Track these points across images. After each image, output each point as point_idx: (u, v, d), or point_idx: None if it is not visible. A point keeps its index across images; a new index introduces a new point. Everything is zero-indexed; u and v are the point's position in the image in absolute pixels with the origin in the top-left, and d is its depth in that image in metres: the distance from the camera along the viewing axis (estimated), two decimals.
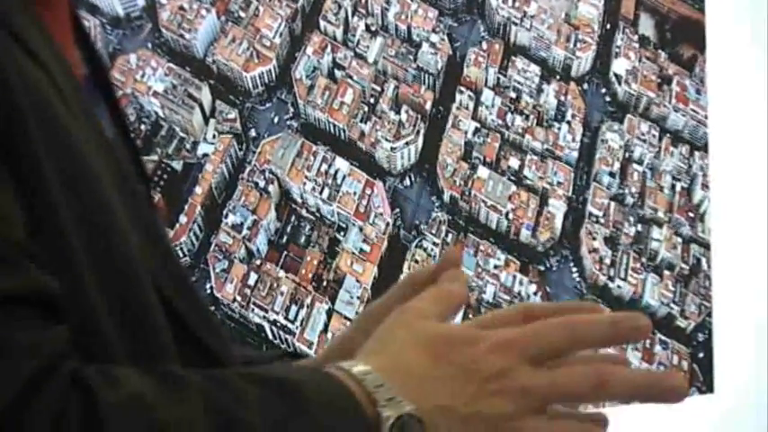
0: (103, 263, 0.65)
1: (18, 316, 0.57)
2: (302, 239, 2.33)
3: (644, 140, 2.67)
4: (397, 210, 2.42)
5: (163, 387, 0.58)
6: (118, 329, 0.65)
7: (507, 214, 2.51)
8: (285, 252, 2.31)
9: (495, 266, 2.49)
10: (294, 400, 0.60)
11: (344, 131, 2.39)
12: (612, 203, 2.62)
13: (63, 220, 0.63)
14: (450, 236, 2.46)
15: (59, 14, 0.78)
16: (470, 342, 0.66)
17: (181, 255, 2.19)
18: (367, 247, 2.37)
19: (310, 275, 2.31)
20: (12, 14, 0.67)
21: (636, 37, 2.68)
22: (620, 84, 2.65)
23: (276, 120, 2.35)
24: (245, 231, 2.27)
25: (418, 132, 2.45)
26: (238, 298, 2.25)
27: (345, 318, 2.31)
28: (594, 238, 2.59)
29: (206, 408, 0.57)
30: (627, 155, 2.65)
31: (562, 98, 2.60)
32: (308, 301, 2.29)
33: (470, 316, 2.42)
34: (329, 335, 2.29)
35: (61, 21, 0.79)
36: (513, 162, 2.53)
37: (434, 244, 2.44)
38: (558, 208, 2.56)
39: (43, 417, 0.54)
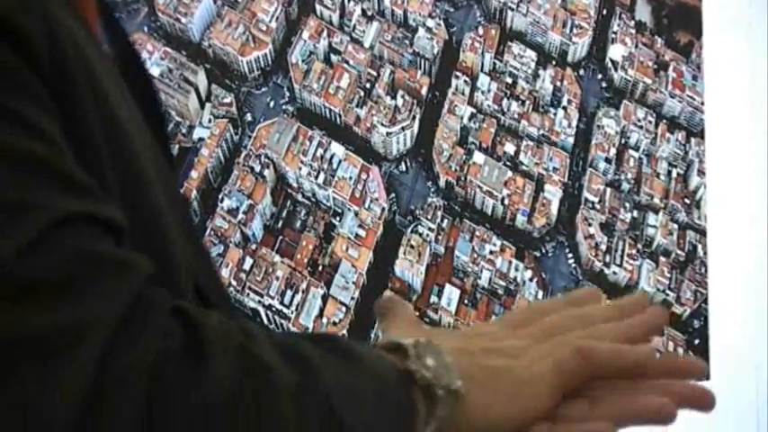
0: (140, 230, 0.66)
1: (108, 238, 0.58)
2: (298, 224, 2.33)
3: (640, 126, 2.67)
4: (393, 195, 2.42)
5: (241, 331, 0.59)
6: None
7: (503, 200, 2.51)
8: (281, 237, 2.31)
9: (491, 252, 2.49)
10: (348, 352, 0.63)
11: (340, 116, 2.39)
12: (608, 189, 2.62)
13: (108, 176, 0.64)
14: (445, 221, 2.46)
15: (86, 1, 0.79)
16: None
17: None
18: (362, 233, 2.37)
19: (306, 260, 2.31)
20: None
21: (632, 23, 2.68)
22: (616, 70, 2.65)
23: (272, 104, 2.35)
24: (240, 216, 2.27)
25: (414, 117, 2.45)
26: (234, 282, 2.25)
27: (341, 303, 2.31)
28: (590, 225, 2.59)
29: (281, 352, 0.59)
30: (623, 141, 2.65)
31: (558, 84, 2.59)
32: (304, 286, 2.29)
33: (465, 301, 2.42)
34: (324, 320, 2.29)
35: (87, 5, 0.79)
36: (509, 147, 2.52)
37: (430, 229, 2.44)
38: (553, 194, 2.56)
39: (153, 332, 0.55)
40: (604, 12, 2.65)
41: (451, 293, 2.43)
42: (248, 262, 2.27)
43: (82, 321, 0.52)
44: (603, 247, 2.59)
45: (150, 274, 0.58)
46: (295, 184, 2.35)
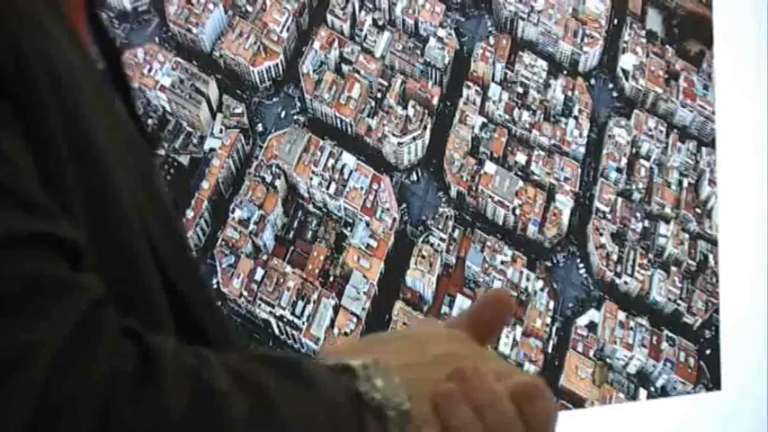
0: (103, 236, 0.65)
1: (58, 258, 0.57)
2: (309, 234, 2.33)
3: (651, 136, 2.66)
4: (404, 205, 2.42)
5: (194, 355, 0.59)
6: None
7: (514, 210, 2.50)
8: (292, 247, 2.31)
9: (502, 262, 2.48)
10: (305, 377, 0.63)
11: (351, 126, 2.39)
12: (619, 199, 2.61)
13: (67, 185, 0.63)
14: (456, 231, 2.45)
15: (75, 7, 0.78)
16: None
17: None
18: (374, 243, 2.37)
19: (317, 271, 2.31)
20: (34, 4, 0.67)
21: (643, 32, 2.67)
22: (627, 79, 2.65)
23: (283, 114, 2.35)
24: (251, 226, 2.27)
25: (425, 127, 2.44)
26: (245, 293, 2.24)
27: (352, 313, 2.31)
28: (601, 234, 2.58)
29: (234, 380, 0.58)
30: (634, 150, 2.64)
31: (569, 93, 2.59)
32: (315, 296, 2.29)
33: None
34: (335, 330, 2.29)
35: (76, 12, 0.79)
36: (521, 157, 2.52)
37: (441, 239, 2.43)
38: (565, 203, 2.55)
39: (101, 354, 0.54)
40: (615, 21, 2.64)
41: (463, 304, 2.43)
42: (259, 272, 2.26)
43: (25, 344, 0.51)
44: (615, 256, 2.59)
45: (101, 296, 0.57)
46: (306, 195, 2.34)
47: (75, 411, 0.51)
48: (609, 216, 2.60)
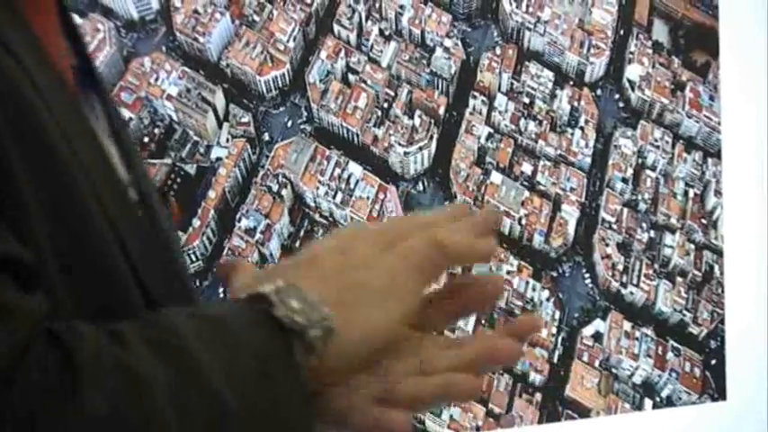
0: (70, 248, 0.65)
1: (3, 279, 0.57)
2: None
3: (657, 147, 2.66)
4: (410, 213, 2.42)
5: (114, 340, 0.59)
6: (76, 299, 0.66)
7: (520, 220, 2.50)
8: None
9: (508, 272, 2.48)
10: (218, 325, 0.63)
11: (358, 136, 2.39)
12: (625, 210, 2.61)
13: (24, 197, 0.63)
14: None
15: (42, 5, 0.77)
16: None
17: (194, 259, 2.19)
18: None
19: None
20: None
21: (649, 43, 2.67)
22: (633, 90, 2.65)
23: (290, 124, 2.35)
24: (258, 235, 2.27)
25: (431, 137, 2.45)
26: None
27: None
28: (607, 245, 2.58)
29: (155, 352, 0.59)
30: (640, 161, 2.64)
31: (575, 104, 2.59)
32: None
33: (482, 322, 2.42)
34: None
35: (44, 11, 0.77)
36: (527, 167, 2.52)
37: None
38: (570, 214, 2.55)
39: (30, 381, 0.55)
40: (621, 32, 2.65)
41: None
42: None
43: None
44: (620, 267, 2.59)
45: (37, 320, 0.57)
46: (312, 204, 2.34)
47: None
48: (615, 226, 2.60)
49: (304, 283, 0.66)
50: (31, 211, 0.63)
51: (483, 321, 2.43)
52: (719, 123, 2.70)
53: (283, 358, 0.63)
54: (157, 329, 0.61)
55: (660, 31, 2.69)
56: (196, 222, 2.22)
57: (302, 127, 2.35)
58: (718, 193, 2.70)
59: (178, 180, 2.22)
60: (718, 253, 2.69)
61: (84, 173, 0.68)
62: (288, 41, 2.34)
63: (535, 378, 2.48)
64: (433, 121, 2.45)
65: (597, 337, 2.56)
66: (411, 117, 2.43)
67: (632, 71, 2.65)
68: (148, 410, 0.56)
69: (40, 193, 0.64)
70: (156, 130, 2.21)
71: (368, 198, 2.38)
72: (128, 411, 0.56)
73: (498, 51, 2.54)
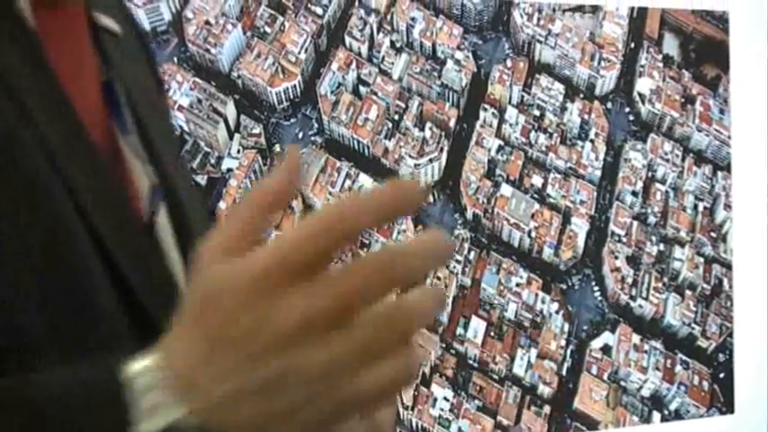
0: (43, 253, 0.65)
1: None
2: None
3: (667, 160, 2.66)
4: (420, 227, 2.42)
5: None
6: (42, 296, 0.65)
7: (530, 232, 2.50)
8: None
9: (518, 284, 2.49)
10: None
11: (368, 148, 2.39)
12: (635, 223, 2.62)
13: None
14: (472, 253, 2.45)
15: (72, 22, 0.77)
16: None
17: None
18: None
19: None
20: None
21: (660, 56, 2.68)
22: (643, 103, 2.65)
23: (300, 135, 2.35)
24: None
25: (442, 149, 2.45)
26: None
27: None
28: (617, 258, 2.58)
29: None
30: (650, 174, 2.64)
31: (586, 117, 2.59)
32: None
33: (492, 334, 2.42)
34: None
35: (74, 28, 0.77)
36: (537, 180, 2.52)
37: (457, 261, 2.43)
38: (580, 226, 2.56)
39: None
40: (632, 45, 2.65)
41: (478, 325, 2.43)
42: None
43: None
44: (630, 280, 2.59)
45: None
46: None
47: None
48: (624, 239, 2.60)
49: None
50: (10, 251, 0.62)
51: (492, 334, 2.44)
52: (729, 137, 2.71)
53: None
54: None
55: (671, 45, 2.69)
56: None
57: (313, 138, 2.36)
58: (727, 206, 2.70)
59: None
60: (728, 266, 2.69)
61: (79, 214, 0.68)
62: (299, 53, 2.35)
63: (544, 390, 2.48)
64: (443, 133, 2.45)
65: (606, 349, 2.56)
66: (422, 129, 2.44)
67: (643, 84, 2.66)
68: None
69: (24, 236, 0.63)
70: None
71: None
72: None
73: (509, 64, 2.54)
